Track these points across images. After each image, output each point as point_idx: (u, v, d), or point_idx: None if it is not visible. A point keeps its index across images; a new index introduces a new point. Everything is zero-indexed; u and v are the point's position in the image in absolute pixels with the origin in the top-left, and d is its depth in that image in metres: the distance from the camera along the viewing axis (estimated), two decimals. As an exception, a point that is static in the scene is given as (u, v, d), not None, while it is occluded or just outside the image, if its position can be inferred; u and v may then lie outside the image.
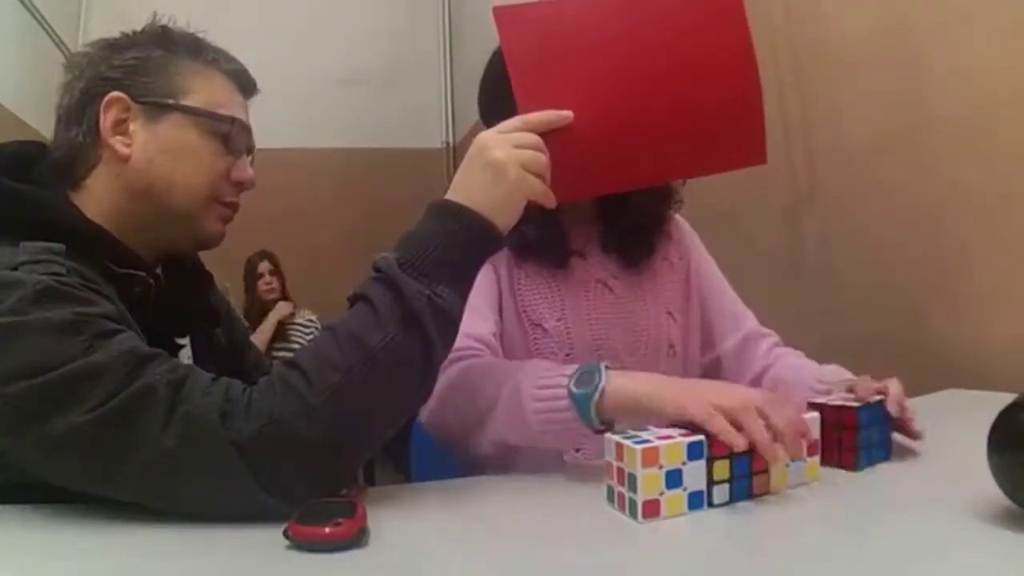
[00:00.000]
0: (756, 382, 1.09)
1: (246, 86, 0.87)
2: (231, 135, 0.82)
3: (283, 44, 4.17)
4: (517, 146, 0.74)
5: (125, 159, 0.78)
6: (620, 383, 0.75)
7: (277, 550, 0.58)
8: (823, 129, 1.54)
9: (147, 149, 0.79)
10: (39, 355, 0.62)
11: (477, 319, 0.95)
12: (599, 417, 0.75)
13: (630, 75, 0.82)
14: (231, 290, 3.25)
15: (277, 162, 4.16)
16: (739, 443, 0.65)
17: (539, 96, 0.79)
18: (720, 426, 0.66)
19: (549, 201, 0.77)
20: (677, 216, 1.16)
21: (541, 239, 1.03)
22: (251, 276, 3.54)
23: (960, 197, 1.23)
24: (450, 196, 0.73)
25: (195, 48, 0.83)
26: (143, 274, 0.77)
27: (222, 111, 0.82)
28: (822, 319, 1.52)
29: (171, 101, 0.80)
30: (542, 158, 0.75)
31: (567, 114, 0.78)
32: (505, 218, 0.73)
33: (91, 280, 0.70)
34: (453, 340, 0.71)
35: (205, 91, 0.82)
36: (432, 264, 0.69)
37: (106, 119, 0.78)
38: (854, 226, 1.47)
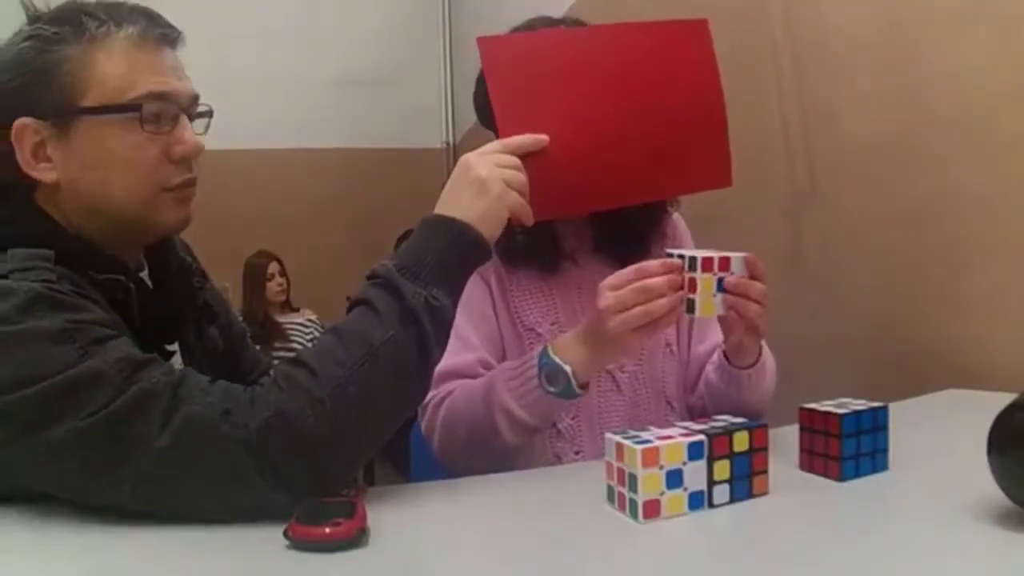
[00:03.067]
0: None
1: (158, 38, 0.76)
2: (148, 116, 0.74)
3: (283, 44, 4.18)
4: (498, 165, 0.79)
5: (55, 185, 0.74)
6: (577, 360, 0.87)
7: (277, 550, 0.58)
8: (823, 129, 1.53)
9: (69, 169, 0.73)
10: (34, 364, 0.62)
11: (458, 348, 1.00)
12: (580, 387, 0.88)
13: (605, 103, 0.87)
14: (231, 290, 3.25)
15: (277, 162, 4.19)
16: (661, 306, 0.81)
17: (518, 120, 0.84)
18: (627, 322, 0.81)
19: (528, 217, 0.82)
20: (675, 215, 1.16)
21: (532, 243, 1.03)
22: (256, 278, 3.49)
23: (960, 196, 1.23)
24: (439, 211, 0.78)
25: (77, 27, 0.73)
26: (123, 278, 0.75)
27: (131, 92, 0.73)
28: (822, 318, 1.51)
29: (72, 107, 0.72)
30: (521, 176, 0.81)
31: (543, 138, 0.84)
32: (491, 229, 0.78)
33: (81, 286, 0.70)
34: (447, 340, 0.75)
35: (102, 78, 0.73)
36: (427, 270, 0.72)
37: (22, 151, 0.72)
38: (854, 225, 1.46)
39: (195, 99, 0.80)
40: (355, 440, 0.68)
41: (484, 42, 0.86)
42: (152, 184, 0.76)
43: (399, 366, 0.69)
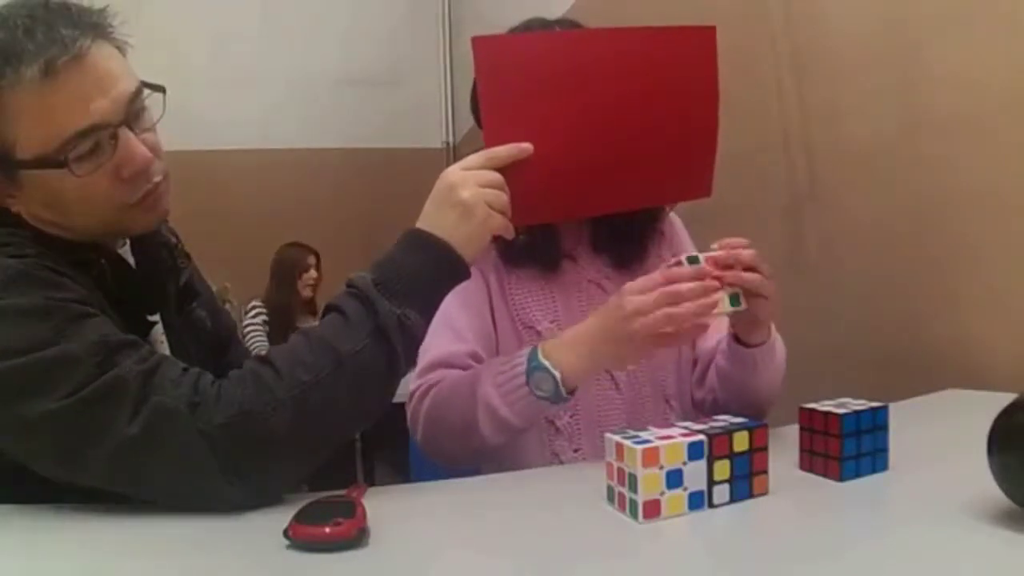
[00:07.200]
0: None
1: (65, 64, 0.68)
2: (82, 154, 0.70)
3: (283, 44, 4.18)
4: (481, 184, 0.79)
5: (21, 212, 0.75)
6: (568, 366, 0.85)
7: (277, 550, 0.58)
8: (823, 128, 1.53)
9: (29, 204, 0.74)
10: (9, 339, 0.64)
11: (451, 339, 1.00)
12: (567, 392, 0.86)
13: (598, 110, 0.85)
14: (231, 290, 3.24)
15: (278, 162, 4.19)
16: (685, 311, 0.79)
17: (506, 127, 0.83)
18: (651, 325, 0.79)
19: (509, 234, 0.82)
20: (672, 214, 1.16)
21: (531, 242, 1.03)
22: (290, 270, 3.46)
23: (960, 196, 1.23)
24: (421, 226, 0.78)
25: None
26: (93, 256, 0.76)
27: (56, 139, 0.69)
28: (822, 318, 1.51)
29: (11, 160, 0.71)
30: (504, 197, 0.80)
31: (528, 147, 0.82)
32: (472, 252, 0.79)
33: (59, 263, 0.71)
34: (415, 358, 0.76)
35: (25, 132, 0.69)
36: (404, 289, 0.74)
37: None
38: (854, 225, 1.46)
39: (135, 96, 0.74)
40: (311, 444, 0.69)
41: (479, 42, 0.83)
42: (112, 208, 0.75)
43: (364, 379, 0.70)
